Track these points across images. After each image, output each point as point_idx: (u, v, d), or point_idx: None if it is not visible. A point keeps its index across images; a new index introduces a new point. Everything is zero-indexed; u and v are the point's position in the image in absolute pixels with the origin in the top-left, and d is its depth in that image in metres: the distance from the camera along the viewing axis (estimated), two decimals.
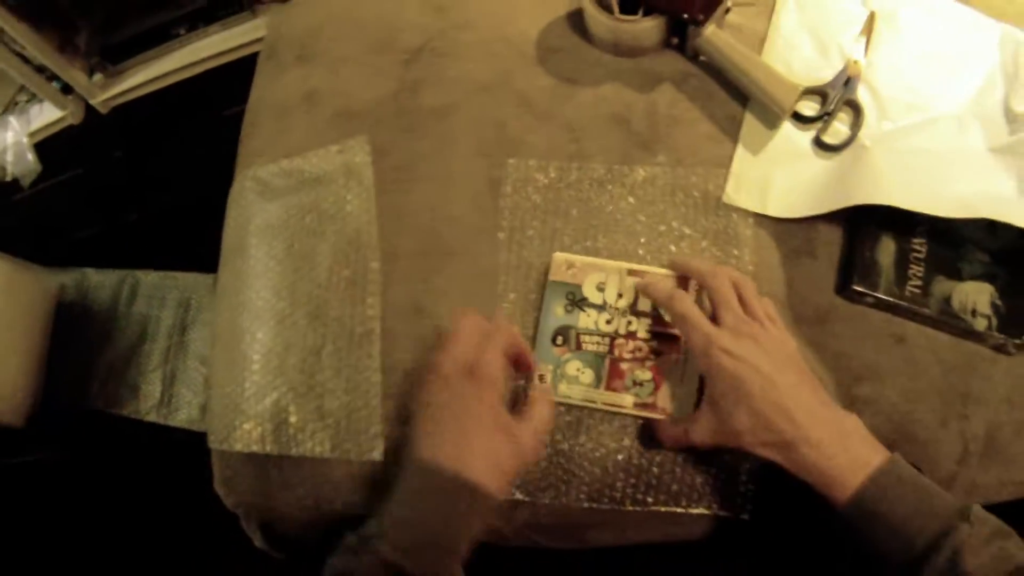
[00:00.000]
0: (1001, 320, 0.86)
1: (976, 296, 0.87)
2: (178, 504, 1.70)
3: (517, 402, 0.87)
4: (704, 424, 0.79)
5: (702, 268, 0.85)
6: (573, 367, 0.89)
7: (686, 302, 0.81)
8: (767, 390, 0.74)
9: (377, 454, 0.92)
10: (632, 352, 0.89)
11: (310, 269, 1.01)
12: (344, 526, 0.74)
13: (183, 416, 1.77)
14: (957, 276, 0.89)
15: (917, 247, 0.90)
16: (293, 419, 0.95)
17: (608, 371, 0.88)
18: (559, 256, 0.94)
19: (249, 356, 0.99)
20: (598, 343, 0.90)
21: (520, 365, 0.86)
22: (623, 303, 0.91)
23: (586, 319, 0.91)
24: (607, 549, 0.92)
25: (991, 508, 0.68)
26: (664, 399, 0.87)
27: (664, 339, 0.89)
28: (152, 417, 1.79)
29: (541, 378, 0.90)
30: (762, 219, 0.95)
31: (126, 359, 1.85)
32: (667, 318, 0.89)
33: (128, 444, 1.84)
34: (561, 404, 0.89)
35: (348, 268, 1.00)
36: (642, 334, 0.89)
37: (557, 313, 0.91)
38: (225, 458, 0.98)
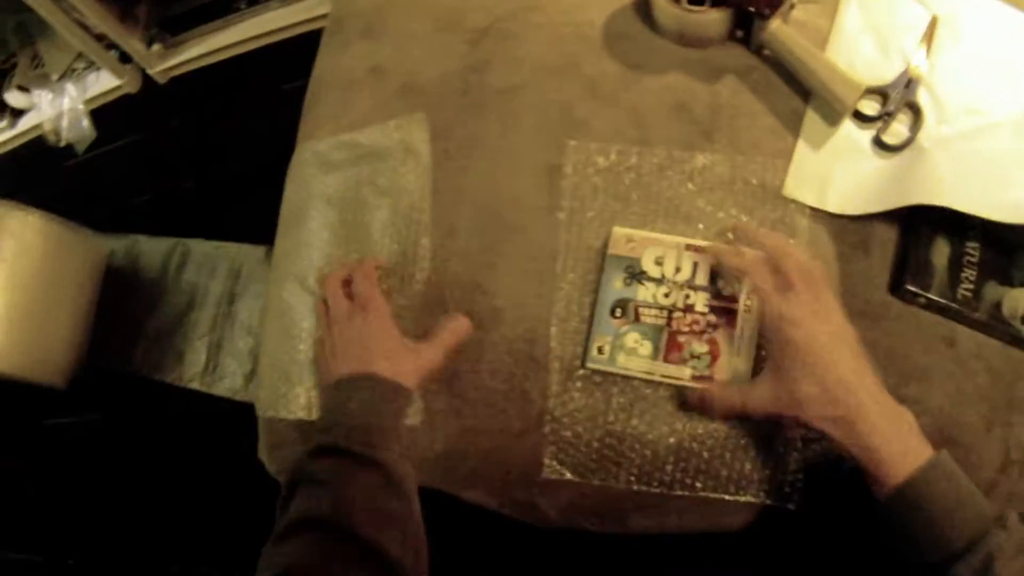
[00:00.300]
0: None
1: None
2: (216, 471, 1.72)
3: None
4: (764, 392, 0.81)
5: (776, 244, 0.85)
6: (631, 339, 0.90)
7: (762, 273, 0.83)
8: (834, 365, 0.76)
9: (416, 420, 0.94)
10: (690, 325, 0.90)
11: (363, 241, 1.03)
12: None
13: (226, 385, 1.79)
14: (1009, 282, 0.89)
15: (971, 251, 0.90)
16: None
17: (666, 343, 0.90)
18: (619, 230, 0.95)
19: (299, 324, 1.01)
20: (656, 316, 0.91)
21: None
22: (681, 277, 0.92)
23: (645, 292, 0.92)
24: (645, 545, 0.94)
25: None
26: (721, 372, 0.88)
27: (721, 313, 0.90)
28: (195, 384, 1.82)
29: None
30: (818, 213, 0.95)
31: (173, 326, 1.88)
32: (725, 292, 0.90)
33: (169, 410, 1.86)
34: (617, 377, 0.91)
35: (398, 243, 1.01)
36: (700, 308, 0.90)
37: (616, 286, 0.93)
38: (271, 425, 1.00)
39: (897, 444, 0.72)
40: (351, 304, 0.94)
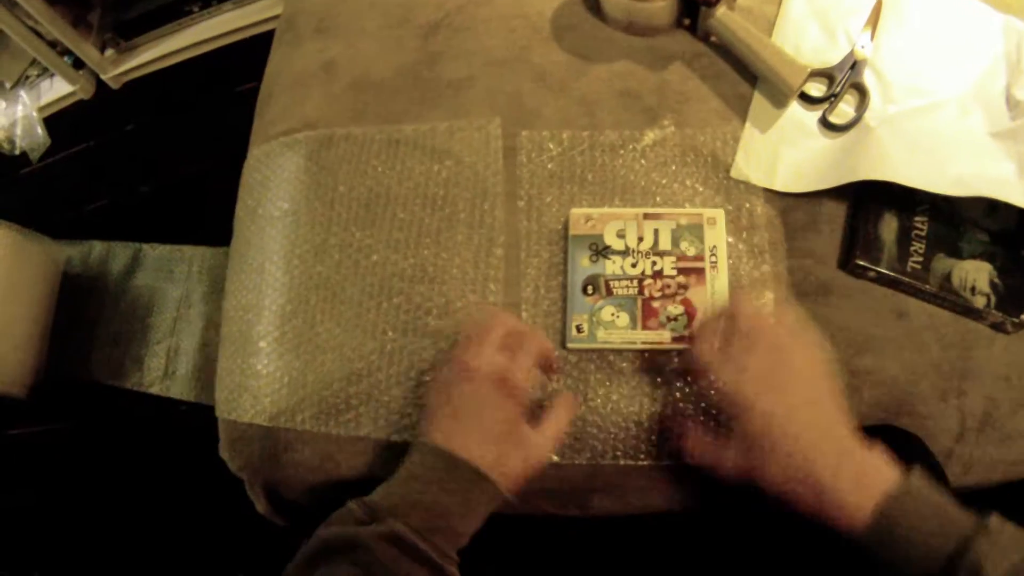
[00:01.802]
0: (1000, 299, 0.88)
1: (975, 274, 0.89)
2: (181, 476, 1.71)
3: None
4: (733, 462, 0.77)
5: (736, 302, 0.83)
6: (607, 313, 0.91)
7: (707, 345, 0.79)
8: (792, 441, 0.72)
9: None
10: (661, 290, 0.91)
11: (419, 242, 1.00)
12: (347, 491, 0.76)
13: (187, 388, 1.77)
14: (957, 254, 0.90)
15: (919, 225, 0.92)
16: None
17: (642, 311, 0.91)
18: (576, 211, 0.96)
19: (255, 329, 1.01)
20: (627, 286, 0.92)
21: (547, 368, 0.88)
22: (645, 245, 0.93)
23: (612, 266, 0.93)
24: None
25: (987, 491, 0.69)
26: None
27: (690, 272, 0.92)
28: (155, 389, 1.80)
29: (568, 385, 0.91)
30: (768, 192, 0.97)
31: (131, 331, 1.86)
32: (689, 252, 0.92)
33: (131, 416, 1.84)
34: (593, 355, 0.91)
35: (471, 250, 0.99)
36: (668, 271, 0.92)
37: (583, 264, 0.94)
38: (231, 422, 0.99)
39: (864, 493, 0.69)
40: (498, 363, 0.80)
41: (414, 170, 1.04)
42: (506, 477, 0.76)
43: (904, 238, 0.91)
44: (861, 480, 0.69)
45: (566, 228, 0.97)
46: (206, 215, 1.42)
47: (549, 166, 1.01)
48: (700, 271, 0.92)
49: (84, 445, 1.89)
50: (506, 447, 0.77)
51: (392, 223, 1.01)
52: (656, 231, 0.94)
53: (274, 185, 1.08)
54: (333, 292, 0.99)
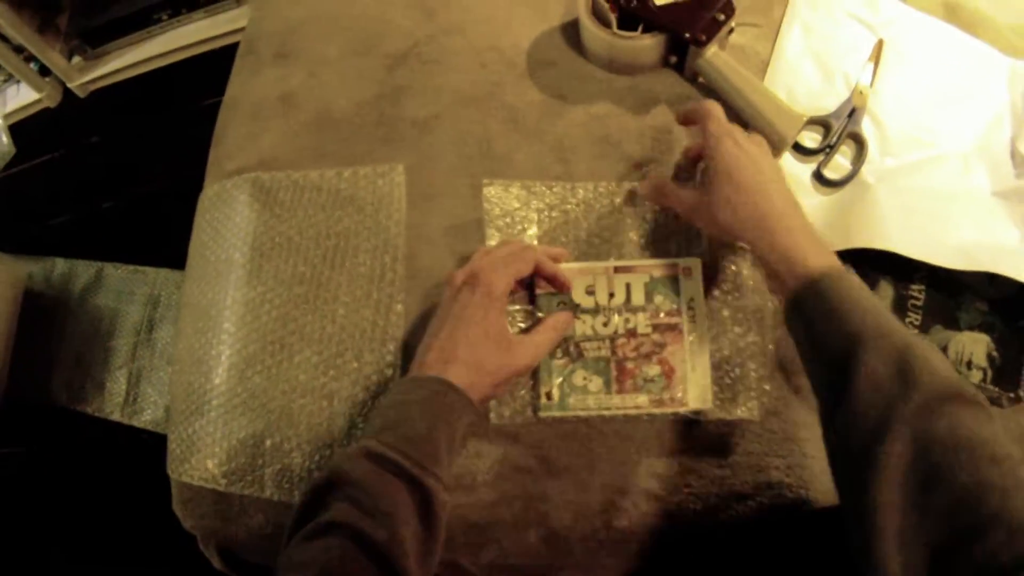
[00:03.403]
0: (996, 372, 0.85)
1: (972, 347, 0.86)
2: (142, 505, 1.66)
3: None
4: (692, 192, 0.83)
5: (704, 110, 0.86)
6: (579, 377, 0.86)
7: (717, 107, 0.85)
8: (758, 176, 0.79)
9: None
10: (636, 349, 0.87)
11: (320, 293, 0.97)
12: None
13: (148, 417, 1.75)
14: (955, 326, 0.87)
15: (916, 293, 0.88)
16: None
17: (616, 374, 0.86)
18: None
19: (204, 388, 0.95)
20: (599, 347, 0.87)
21: (556, 286, 0.88)
22: (616, 302, 0.88)
23: (582, 326, 0.88)
24: None
25: None
26: (679, 390, 0.85)
27: (665, 329, 0.87)
28: (116, 416, 1.78)
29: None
30: None
31: (92, 354, 1.84)
32: (664, 307, 0.88)
33: (92, 442, 1.80)
34: (569, 417, 0.87)
35: (370, 307, 0.95)
36: (642, 329, 0.87)
37: None
38: (181, 482, 0.94)
39: (810, 245, 0.73)
40: (468, 275, 0.82)
41: (316, 218, 0.99)
42: (482, 377, 0.77)
43: (899, 308, 0.87)
44: (815, 243, 0.74)
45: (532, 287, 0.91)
46: (171, 232, 1.36)
47: (515, 221, 0.95)
48: (677, 327, 0.87)
49: (41, 471, 1.86)
50: (480, 348, 0.78)
51: (293, 276, 0.96)
52: (628, 285, 0.89)
53: (224, 228, 1.01)
54: (238, 350, 0.94)
